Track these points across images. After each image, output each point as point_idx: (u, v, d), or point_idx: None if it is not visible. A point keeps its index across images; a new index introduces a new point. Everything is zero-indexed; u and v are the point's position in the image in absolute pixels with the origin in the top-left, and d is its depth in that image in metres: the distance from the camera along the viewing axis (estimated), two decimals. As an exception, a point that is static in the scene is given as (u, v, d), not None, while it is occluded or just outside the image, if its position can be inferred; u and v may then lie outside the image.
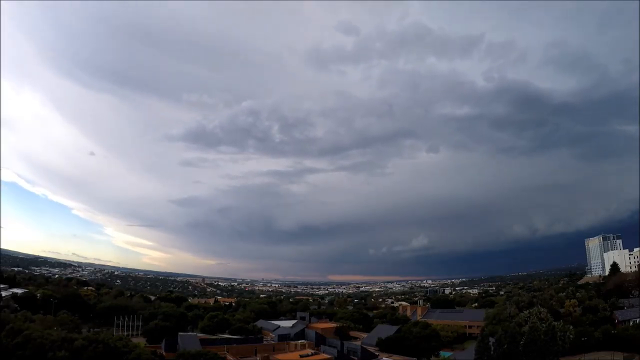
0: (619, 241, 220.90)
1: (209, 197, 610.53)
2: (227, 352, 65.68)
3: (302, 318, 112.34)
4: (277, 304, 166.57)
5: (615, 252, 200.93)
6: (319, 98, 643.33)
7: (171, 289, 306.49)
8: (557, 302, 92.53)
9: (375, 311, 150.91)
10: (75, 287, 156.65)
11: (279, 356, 63.44)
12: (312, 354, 63.25)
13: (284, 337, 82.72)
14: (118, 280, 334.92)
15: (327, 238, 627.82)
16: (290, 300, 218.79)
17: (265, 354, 63.07)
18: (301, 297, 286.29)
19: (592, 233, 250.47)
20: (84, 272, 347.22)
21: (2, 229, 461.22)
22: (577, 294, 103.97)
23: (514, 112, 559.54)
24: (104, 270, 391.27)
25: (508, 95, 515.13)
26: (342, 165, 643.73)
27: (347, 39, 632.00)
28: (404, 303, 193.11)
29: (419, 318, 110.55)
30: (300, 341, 77.11)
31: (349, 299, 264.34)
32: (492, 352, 49.57)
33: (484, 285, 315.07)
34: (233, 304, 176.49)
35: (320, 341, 75.58)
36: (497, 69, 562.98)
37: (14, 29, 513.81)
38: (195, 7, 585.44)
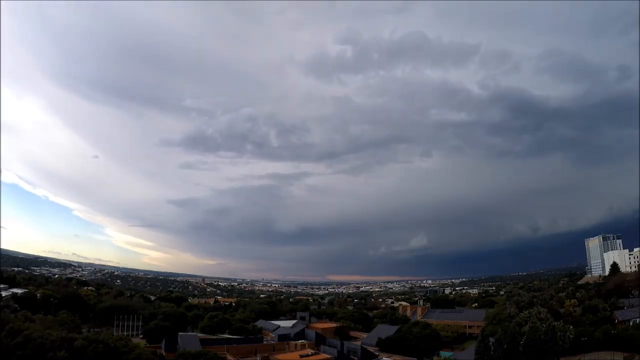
0: (619, 241, 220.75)
1: (208, 198, 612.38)
2: (227, 352, 65.72)
3: (302, 318, 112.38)
4: (277, 304, 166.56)
5: (615, 252, 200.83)
6: (316, 105, 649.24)
7: (171, 289, 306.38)
8: (557, 302, 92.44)
9: (375, 311, 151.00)
10: (75, 287, 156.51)
11: (279, 356, 63.46)
12: (312, 354, 63.28)
13: (284, 337, 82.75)
14: (118, 280, 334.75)
15: (326, 239, 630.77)
16: (290, 300, 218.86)
17: (265, 354, 63.13)
18: (301, 297, 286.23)
19: (592, 233, 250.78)
20: (84, 272, 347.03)
21: (4, 229, 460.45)
22: (577, 294, 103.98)
23: (510, 118, 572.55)
24: (104, 270, 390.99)
25: (503, 103, 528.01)
26: (340, 168, 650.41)
27: (344, 49, 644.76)
28: (404, 303, 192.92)
29: (419, 318, 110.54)
30: (300, 341, 77.13)
31: (348, 299, 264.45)
32: (492, 352, 49.58)
33: (484, 285, 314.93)
34: (233, 304, 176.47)
35: (320, 341, 75.62)
36: (493, 77, 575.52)
37: (16, 44, 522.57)
38: (196, 24, 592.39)
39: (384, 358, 66.63)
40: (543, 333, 50.83)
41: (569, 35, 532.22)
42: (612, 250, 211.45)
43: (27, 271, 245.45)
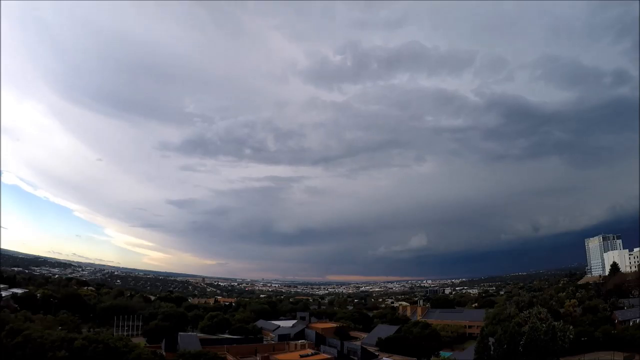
0: (619, 241, 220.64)
1: (208, 199, 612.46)
2: (227, 352, 65.68)
3: (302, 318, 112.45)
4: (277, 304, 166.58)
5: (615, 252, 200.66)
6: (315, 112, 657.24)
7: (171, 289, 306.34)
8: (557, 302, 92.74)
9: (375, 311, 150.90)
10: (75, 287, 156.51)
11: (279, 356, 63.43)
12: (312, 354, 63.27)
13: (284, 337, 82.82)
14: (118, 280, 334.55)
15: (326, 239, 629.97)
16: (290, 300, 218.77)
17: (265, 354, 63.01)
18: (301, 297, 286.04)
19: (592, 233, 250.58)
20: (84, 272, 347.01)
21: (6, 230, 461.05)
22: (577, 294, 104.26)
23: (506, 123, 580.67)
24: (104, 270, 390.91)
25: (499, 109, 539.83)
26: (339, 172, 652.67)
27: (344, 58, 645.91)
28: (404, 303, 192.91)
29: (419, 318, 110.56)
30: (300, 341, 77.15)
31: (349, 299, 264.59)
32: (492, 352, 49.58)
33: (484, 285, 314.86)
34: (233, 304, 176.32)
35: (320, 341, 75.61)
36: (489, 84, 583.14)
37: (17, 54, 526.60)
38: (199, 41, 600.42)
39: (384, 358, 66.59)
40: (543, 333, 50.80)
41: (563, 41, 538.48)
42: (612, 250, 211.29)
43: (27, 271, 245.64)
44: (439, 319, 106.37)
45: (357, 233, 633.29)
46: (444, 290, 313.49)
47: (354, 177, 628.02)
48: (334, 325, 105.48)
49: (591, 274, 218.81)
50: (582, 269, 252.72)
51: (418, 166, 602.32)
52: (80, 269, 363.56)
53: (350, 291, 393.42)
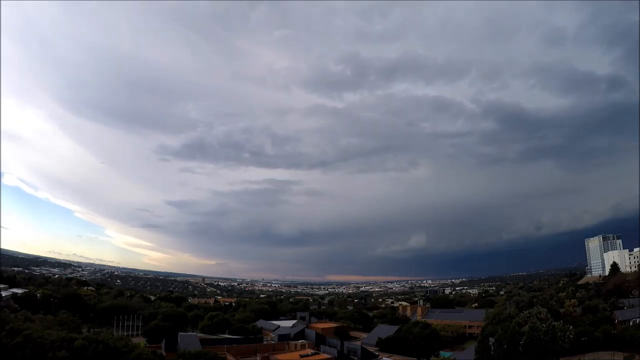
0: (619, 241, 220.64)
1: (208, 201, 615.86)
2: (227, 352, 65.69)
3: (302, 318, 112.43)
4: (277, 304, 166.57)
5: (615, 252, 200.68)
6: (314, 119, 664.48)
7: (171, 289, 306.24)
8: (557, 302, 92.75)
9: (375, 311, 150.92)
10: (75, 287, 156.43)
11: (279, 356, 63.40)
12: (312, 354, 63.24)
13: (284, 337, 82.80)
14: (118, 280, 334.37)
15: (326, 240, 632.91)
16: (290, 300, 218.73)
17: (265, 354, 62.98)
18: (301, 297, 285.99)
19: (592, 233, 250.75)
20: (84, 272, 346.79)
21: (6, 230, 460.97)
22: (577, 294, 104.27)
23: (502, 129, 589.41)
24: (104, 270, 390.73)
25: (495, 115, 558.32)
26: (336, 175, 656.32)
27: (343, 68, 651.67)
28: (404, 303, 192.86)
29: (419, 318, 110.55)
30: (300, 341, 77.14)
31: (349, 299, 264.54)
32: (492, 352, 49.55)
33: (484, 285, 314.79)
34: (233, 304, 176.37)
35: (320, 341, 75.56)
36: (485, 92, 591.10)
37: (18, 66, 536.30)
38: (199, 50, 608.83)
39: (384, 358, 66.56)
40: (543, 333, 50.74)
41: (557, 49, 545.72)
42: (612, 250, 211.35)
43: (27, 271, 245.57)
44: (439, 319, 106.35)
45: (356, 234, 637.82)
46: (444, 290, 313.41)
47: (352, 180, 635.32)
48: (334, 325, 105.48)
49: (591, 274, 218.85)
50: (582, 269, 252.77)
51: (415, 170, 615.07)
52: (80, 269, 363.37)
53: (350, 291, 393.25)
